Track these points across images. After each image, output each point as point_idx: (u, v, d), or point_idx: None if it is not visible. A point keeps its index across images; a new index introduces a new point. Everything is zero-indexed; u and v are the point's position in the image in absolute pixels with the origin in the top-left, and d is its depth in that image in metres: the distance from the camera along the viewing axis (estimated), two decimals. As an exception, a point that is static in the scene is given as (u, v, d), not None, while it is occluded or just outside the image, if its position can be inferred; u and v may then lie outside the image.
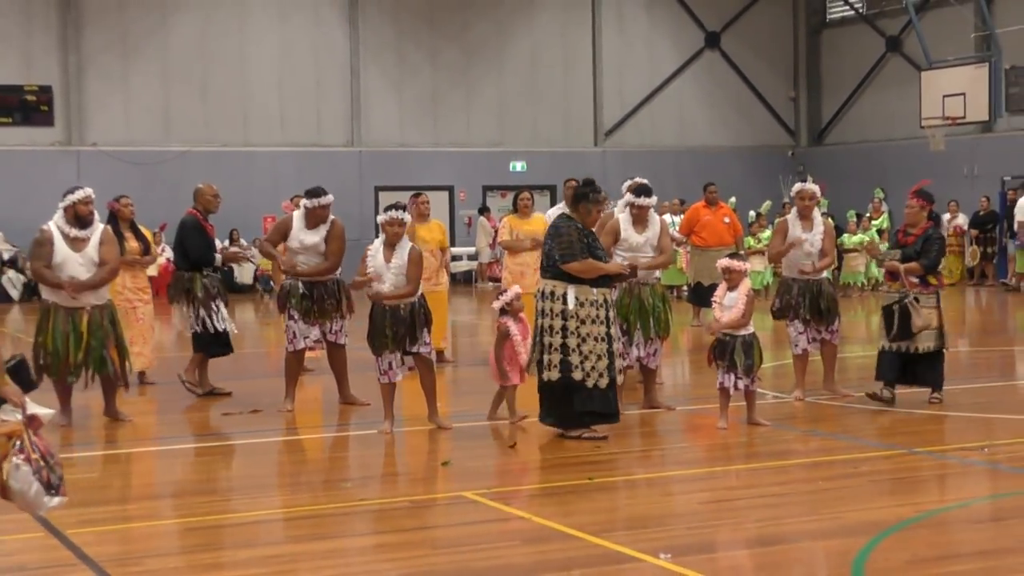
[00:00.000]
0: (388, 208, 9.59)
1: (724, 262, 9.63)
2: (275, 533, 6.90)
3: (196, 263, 11.57)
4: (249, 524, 7.10)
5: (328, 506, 7.35)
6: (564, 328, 8.99)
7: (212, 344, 11.62)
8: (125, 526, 6.98)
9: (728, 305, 9.46)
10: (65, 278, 9.79)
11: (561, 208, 14.52)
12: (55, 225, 9.99)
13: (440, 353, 13.02)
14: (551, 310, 9.06)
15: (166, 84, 27.57)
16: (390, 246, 9.48)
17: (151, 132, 27.43)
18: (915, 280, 10.22)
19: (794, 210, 10.95)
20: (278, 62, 28.31)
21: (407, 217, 9.65)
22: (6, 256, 26.05)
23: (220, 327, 11.53)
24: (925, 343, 10.22)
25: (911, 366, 10.38)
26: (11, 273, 25.99)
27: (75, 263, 9.86)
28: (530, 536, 6.60)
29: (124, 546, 6.56)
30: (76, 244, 9.91)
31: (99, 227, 10.13)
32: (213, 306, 11.50)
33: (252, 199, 26.77)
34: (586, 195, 9.27)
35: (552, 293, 9.08)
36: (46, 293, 10.01)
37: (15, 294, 25.84)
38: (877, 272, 24.62)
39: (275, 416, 10.53)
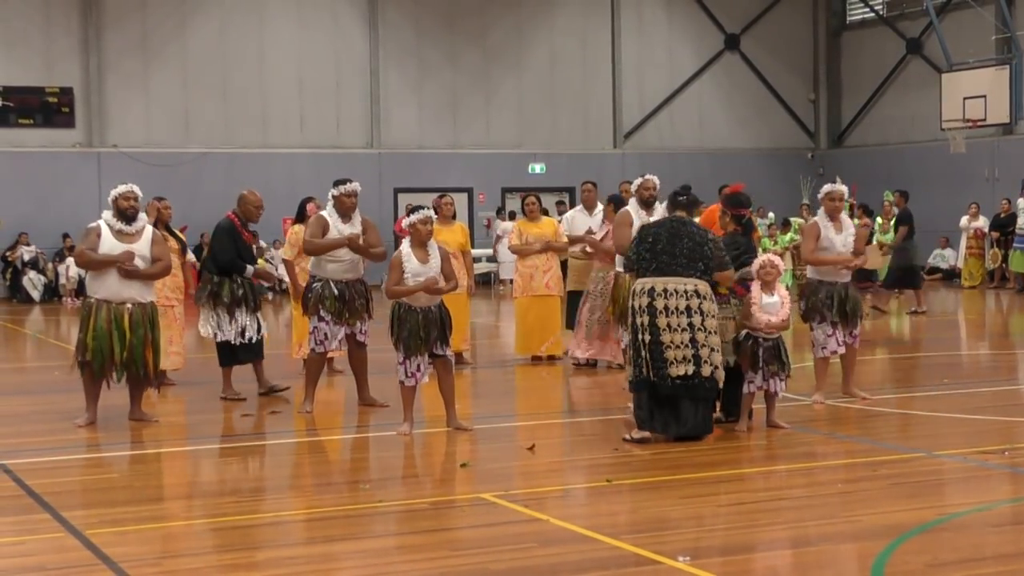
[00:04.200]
0: (414, 209, 9.60)
1: (759, 263, 9.54)
2: (294, 534, 6.91)
3: (224, 269, 11.37)
4: (267, 525, 7.11)
5: (347, 507, 7.35)
6: (712, 328, 9.08)
7: (234, 354, 11.44)
8: (145, 527, 6.99)
9: (771, 308, 9.41)
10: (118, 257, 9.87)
11: (580, 210, 14.59)
12: (103, 221, 10.10)
13: (459, 355, 13.03)
14: (708, 310, 9.05)
15: (186, 86, 27.68)
16: (420, 246, 9.49)
17: (171, 134, 27.55)
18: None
19: (821, 211, 10.89)
20: (297, 64, 28.39)
21: (433, 214, 9.70)
22: (27, 257, 26.17)
23: (238, 339, 11.31)
24: (724, 356, 9.54)
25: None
26: (32, 274, 26.11)
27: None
28: (548, 538, 6.60)
29: (144, 547, 6.57)
30: (123, 238, 10.00)
31: (148, 227, 10.21)
32: (237, 314, 11.31)
33: (270, 201, 26.60)
34: (697, 200, 9.50)
35: (708, 293, 9.09)
36: (91, 289, 10.08)
37: (36, 295, 25.97)
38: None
39: (294, 417, 10.55)
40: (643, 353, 9.04)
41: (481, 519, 7.09)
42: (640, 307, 9.07)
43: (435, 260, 9.48)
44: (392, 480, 8.42)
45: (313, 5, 28.54)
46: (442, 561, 6.19)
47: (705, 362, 8.99)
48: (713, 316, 9.07)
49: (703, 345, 8.99)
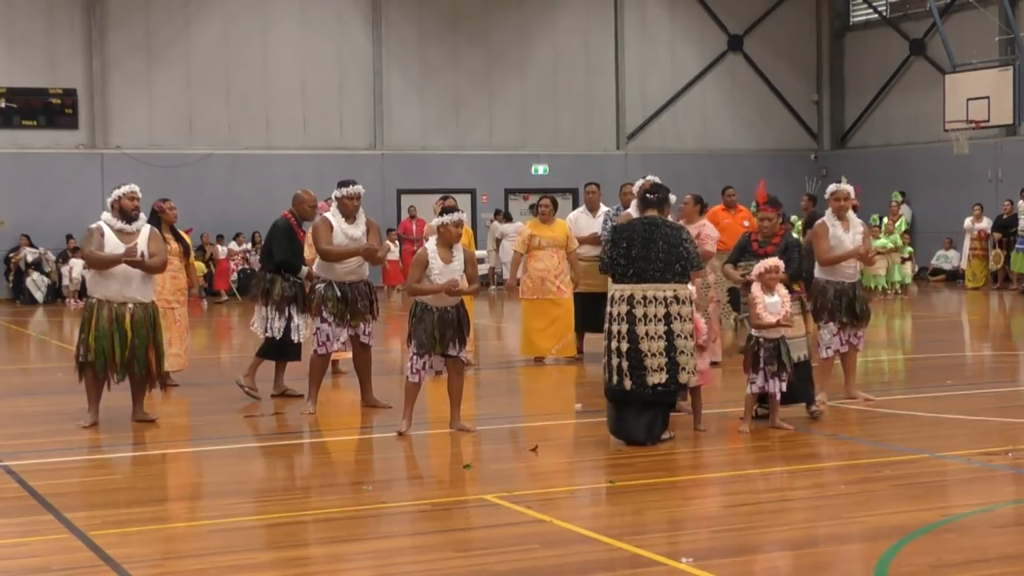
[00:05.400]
0: (445, 210, 9.58)
1: (761, 268, 9.54)
2: (297, 535, 6.91)
3: (279, 266, 11.32)
4: (271, 526, 7.11)
5: (350, 508, 7.36)
6: (690, 334, 9.07)
7: (278, 351, 11.42)
8: (149, 528, 7.00)
9: (773, 308, 9.40)
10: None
11: (583, 211, 14.58)
12: (103, 221, 10.11)
13: (463, 356, 13.03)
14: (688, 315, 9.05)
15: (189, 87, 27.69)
16: (447, 247, 9.49)
17: (174, 135, 27.56)
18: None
19: (829, 211, 10.87)
20: (301, 65, 28.39)
21: (464, 217, 9.71)
22: (30, 259, 26.18)
23: (292, 336, 11.27)
24: (796, 352, 9.70)
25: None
26: (35, 275, 26.12)
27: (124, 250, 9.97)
28: (551, 539, 6.60)
29: (147, 548, 6.58)
30: (124, 237, 10.03)
31: (146, 226, 10.24)
32: (288, 312, 11.26)
33: (274, 202, 26.82)
34: (667, 198, 9.50)
35: (687, 297, 9.09)
36: (92, 289, 10.09)
37: (39, 296, 25.97)
38: (900, 276, 24.57)
39: (297, 418, 10.55)
40: (615, 361, 8.99)
41: (484, 520, 7.09)
42: (619, 315, 9.03)
43: (459, 262, 9.47)
44: (395, 481, 8.42)
45: (316, 7, 28.55)
46: (445, 562, 6.19)
47: (683, 369, 8.98)
48: (689, 320, 9.04)
49: (681, 352, 8.97)
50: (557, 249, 13.90)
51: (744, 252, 10.08)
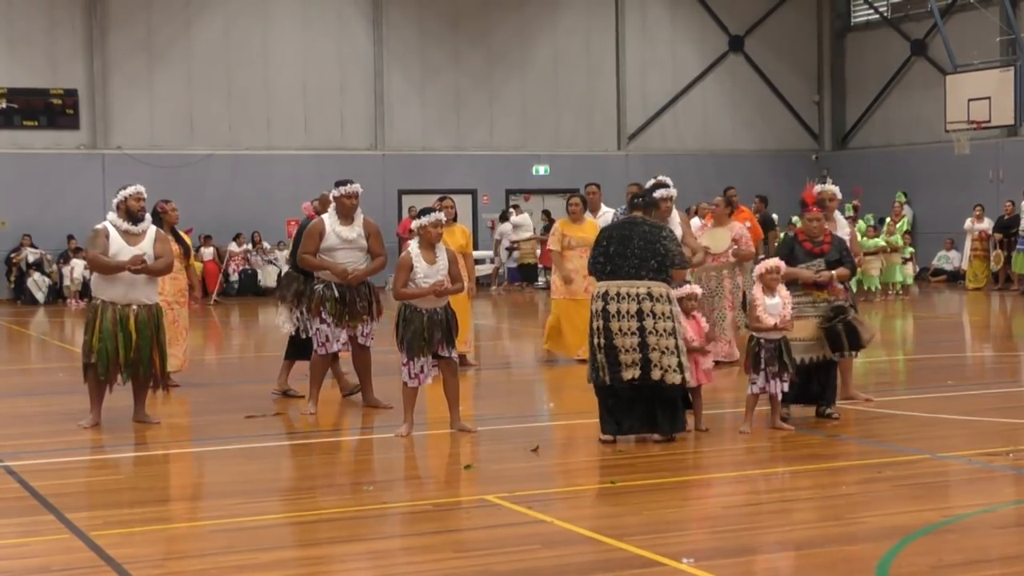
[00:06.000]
0: (425, 211, 9.61)
1: (762, 268, 9.55)
2: (298, 536, 6.92)
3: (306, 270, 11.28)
4: (272, 527, 7.11)
5: (351, 509, 7.36)
6: (665, 331, 9.04)
7: (304, 350, 11.41)
8: (150, 528, 7.00)
9: (773, 310, 9.40)
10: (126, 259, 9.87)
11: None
12: (109, 222, 10.09)
13: (463, 357, 13.02)
14: (661, 312, 9.02)
15: (190, 88, 27.71)
16: (429, 248, 9.50)
17: (175, 135, 27.58)
18: (840, 286, 9.90)
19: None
20: (302, 65, 28.41)
21: (444, 217, 9.71)
22: (31, 259, 26.19)
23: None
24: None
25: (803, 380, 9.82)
26: (36, 276, 26.13)
27: (130, 255, 9.95)
28: (552, 540, 6.60)
29: (148, 548, 6.58)
30: (130, 239, 10.02)
31: (152, 227, 10.23)
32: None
33: (274, 202, 26.95)
34: (655, 200, 9.65)
35: (662, 294, 9.08)
36: (96, 291, 10.08)
37: (40, 296, 25.98)
38: (901, 276, 24.56)
39: (298, 419, 10.55)
40: (598, 356, 9.07)
41: (485, 521, 7.10)
42: (596, 311, 9.12)
43: (442, 262, 9.48)
44: (396, 482, 8.43)
45: (317, 7, 28.56)
46: (446, 563, 6.19)
47: (655, 366, 8.97)
48: (668, 318, 9.04)
49: (654, 349, 8.97)
50: (587, 249, 13.82)
51: (793, 253, 10.03)
